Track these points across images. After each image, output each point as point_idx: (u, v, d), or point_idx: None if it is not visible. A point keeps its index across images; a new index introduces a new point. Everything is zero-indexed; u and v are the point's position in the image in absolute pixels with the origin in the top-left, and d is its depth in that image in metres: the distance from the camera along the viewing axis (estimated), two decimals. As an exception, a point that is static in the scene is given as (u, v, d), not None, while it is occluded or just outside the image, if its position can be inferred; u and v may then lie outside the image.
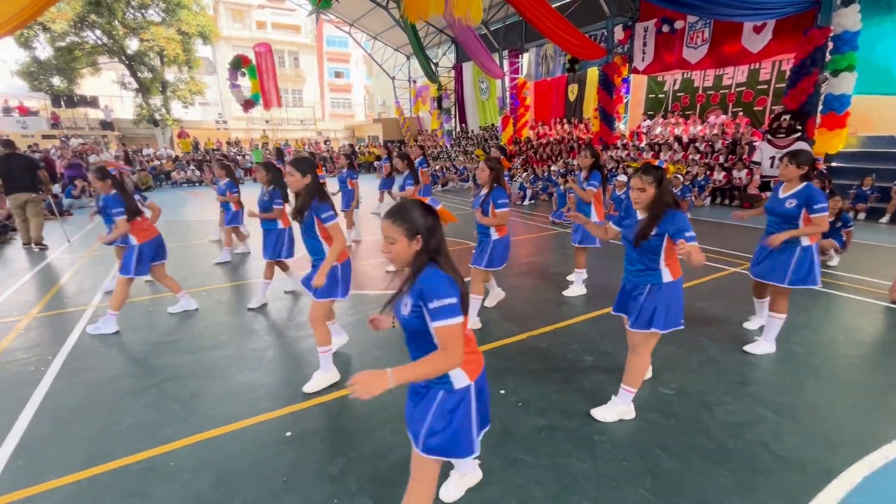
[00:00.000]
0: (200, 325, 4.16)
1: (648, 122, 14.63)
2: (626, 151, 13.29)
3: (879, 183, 8.76)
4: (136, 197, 5.01)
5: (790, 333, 3.59)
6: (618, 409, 2.62)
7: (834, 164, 9.80)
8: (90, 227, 9.41)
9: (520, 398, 2.85)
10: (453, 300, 1.40)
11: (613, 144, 13.91)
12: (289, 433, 2.55)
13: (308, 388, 2.98)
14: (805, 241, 3.16)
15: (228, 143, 24.61)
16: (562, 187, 9.60)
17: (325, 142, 28.34)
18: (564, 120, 17.67)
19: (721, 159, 11.17)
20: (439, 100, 22.73)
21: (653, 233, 2.36)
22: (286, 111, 29.89)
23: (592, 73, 15.76)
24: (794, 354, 3.39)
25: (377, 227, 8.63)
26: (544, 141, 16.92)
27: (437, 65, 22.10)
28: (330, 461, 2.32)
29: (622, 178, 7.22)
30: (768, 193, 3.84)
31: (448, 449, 1.56)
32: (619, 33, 14.02)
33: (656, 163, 2.44)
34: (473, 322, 3.94)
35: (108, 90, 25.49)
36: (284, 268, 4.88)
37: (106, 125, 23.72)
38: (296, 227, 3.34)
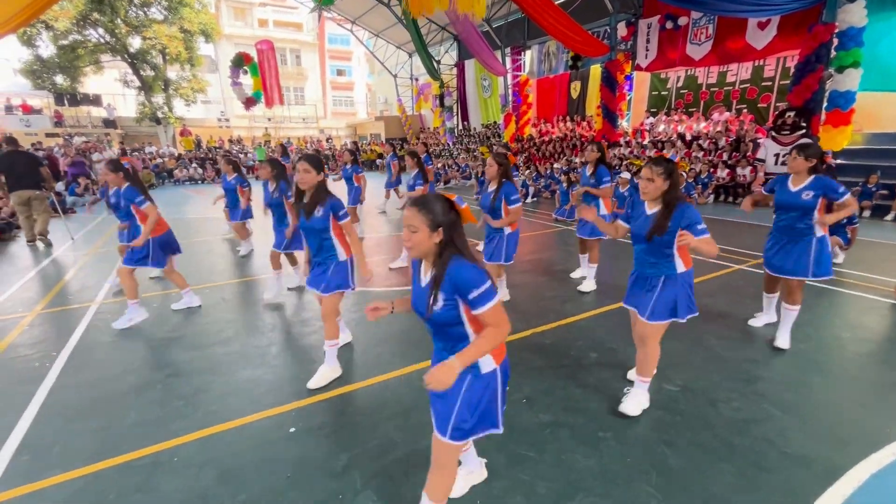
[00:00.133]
0: (204, 322, 4.16)
1: (651, 120, 14.56)
2: (630, 149, 13.24)
3: (884, 180, 8.70)
4: None
5: (795, 331, 3.57)
6: (638, 400, 2.64)
7: (839, 162, 9.73)
8: (93, 225, 9.44)
9: (524, 395, 2.85)
10: (488, 283, 1.49)
11: (616, 142, 13.85)
12: (293, 429, 2.55)
13: (312, 383, 2.99)
14: (820, 232, 3.21)
15: (230, 141, 24.65)
16: (564, 184, 9.57)
17: (328, 140, 28.35)
18: (567, 117, 17.61)
19: (724, 157, 11.12)
20: (441, 97, 22.67)
21: (668, 228, 2.37)
22: (288, 109, 29.90)
23: (595, 71, 15.69)
24: (800, 351, 3.38)
25: (381, 224, 8.63)
26: (547, 139, 16.86)
27: (439, 62, 22.05)
28: (334, 457, 2.31)
29: (625, 175, 7.19)
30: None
31: (473, 430, 1.62)
32: (622, 30, 13.96)
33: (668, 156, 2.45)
34: None
35: (111, 88, 25.56)
36: (293, 261, 4.89)
37: (109, 123, 23.77)
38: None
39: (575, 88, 17.44)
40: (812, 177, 3.16)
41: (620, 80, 13.57)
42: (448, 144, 22.24)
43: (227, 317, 4.29)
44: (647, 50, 13.47)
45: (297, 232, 4.51)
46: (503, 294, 4.49)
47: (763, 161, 10.01)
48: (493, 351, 1.62)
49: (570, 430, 2.50)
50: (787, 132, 9.40)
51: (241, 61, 16.18)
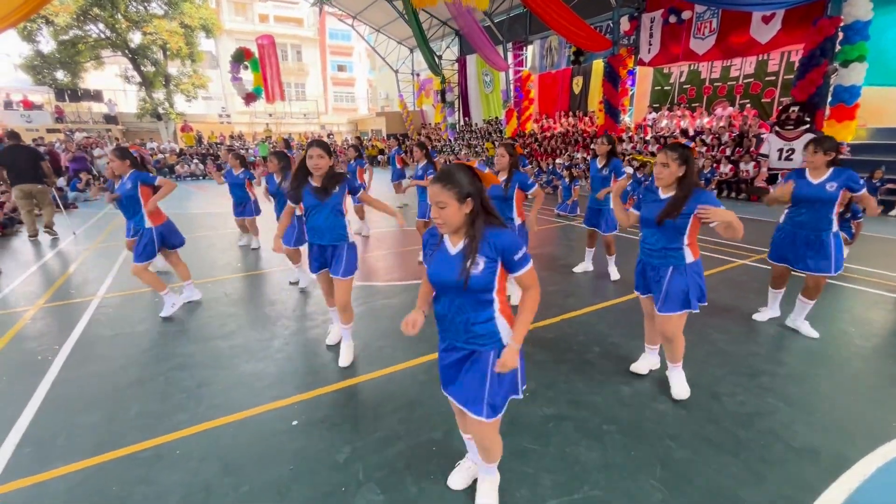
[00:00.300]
0: (207, 316, 4.16)
1: (654, 115, 14.48)
2: (632, 144, 13.18)
3: (889, 175, 8.65)
4: None
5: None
6: (681, 382, 2.70)
7: (843, 157, 9.68)
8: (95, 220, 9.44)
9: (527, 388, 2.83)
10: (525, 247, 1.59)
11: (619, 137, 13.79)
12: (295, 422, 2.54)
13: (343, 362, 3.15)
14: (835, 227, 3.27)
15: (232, 137, 24.62)
16: (566, 180, 9.53)
17: (329, 135, 28.29)
18: (569, 113, 17.54)
19: (728, 152, 11.06)
20: (443, 93, 22.60)
21: (681, 211, 2.36)
22: (289, 105, 29.85)
23: (597, 66, 15.61)
24: (804, 346, 3.36)
25: (383, 221, 8.61)
26: (548, 134, 16.80)
27: (440, 57, 21.98)
28: (337, 449, 2.31)
29: (628, 169, 7.16)
30: (772, 187, 3.84)
31: (503, 404, 1.69)
32: (624, 24, 13.86)
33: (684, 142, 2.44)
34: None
35: (112, 84, 25.54)
36: (298, 258, 4.88)
37: (110, 119, 23.76)
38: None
39: (577, 84, 17.36)
40: (832, 169, 3.20)
41: (623, 75, 13.50)
42: (450, 140, 22.18)
43: (229, 311, 4.28)
44: (650, 44, 13.37)
45: (298, 227, 4.50)
46: (510, 291, 4.46)
47: (766, 156, 9.94)
48: (510, 318, 1.69)
49: (573, 423, 2.48)
50: (791, 127, 9.33)
51: (241, 56, 16.16)
